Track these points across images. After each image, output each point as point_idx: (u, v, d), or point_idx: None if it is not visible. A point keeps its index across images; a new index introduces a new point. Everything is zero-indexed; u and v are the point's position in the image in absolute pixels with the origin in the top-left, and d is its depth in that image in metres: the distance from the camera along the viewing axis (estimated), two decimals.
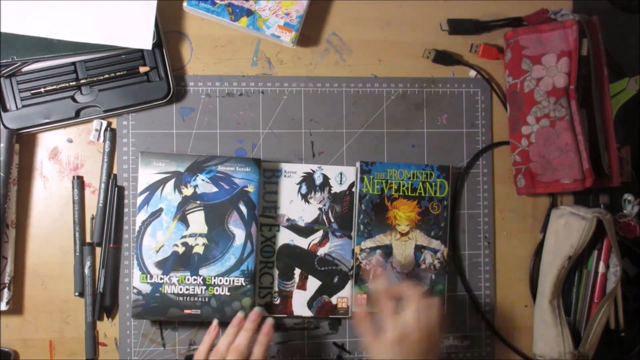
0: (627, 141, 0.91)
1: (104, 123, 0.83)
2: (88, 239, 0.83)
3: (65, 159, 0.84)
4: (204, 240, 0.81)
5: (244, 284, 0.81)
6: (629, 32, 0.94)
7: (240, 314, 0.80)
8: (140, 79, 0.83)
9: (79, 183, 0.83)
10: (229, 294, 0.81)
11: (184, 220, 0.81)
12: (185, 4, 0.83)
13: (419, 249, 0.86)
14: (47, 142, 0.83)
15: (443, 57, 0.89)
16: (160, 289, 0.80)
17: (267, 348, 0.77)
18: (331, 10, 0.88)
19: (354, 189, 0.86)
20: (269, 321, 0.80)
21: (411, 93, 0.89)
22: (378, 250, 0.85)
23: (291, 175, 0.85)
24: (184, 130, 0.85)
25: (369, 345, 0.75)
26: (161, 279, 0.80)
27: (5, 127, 0.80)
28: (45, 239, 0.83)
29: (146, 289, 0.80)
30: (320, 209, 0.86)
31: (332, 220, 0.86)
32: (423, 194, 0.86)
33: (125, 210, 0.83)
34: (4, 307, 0.80)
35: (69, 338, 0.83)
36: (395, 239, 0.85)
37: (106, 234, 0.82)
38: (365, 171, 0.85)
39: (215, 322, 0.80)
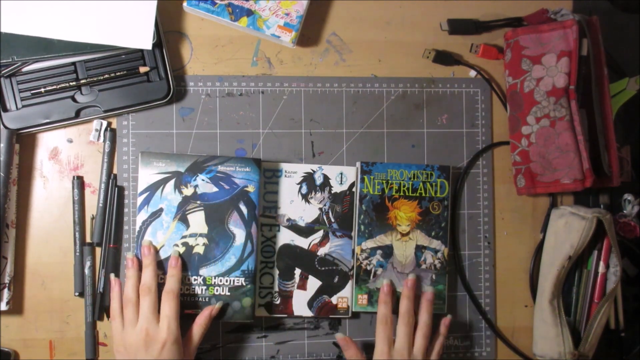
0: (627, 141, 0.92)
1: (104, 123, 0.83)
2: (88, 239, 0.83)
3: (65, 159, 0.83)
4: (204, 240, 0.81)
5: (244, 284, 0.81)
6: (629, 32, 0.94)
7: (145, 243, 0.79)
8: (140, 79, 0.82)
9: (79, 183, 0.83)
10: (229, 294, 0.81)
11: (184, 220, 0.81)
12: (185, 4, 0.83)
13: (419, 249, 0.86)
14: (47, 142, 0.83)
15: (443, 57, 0.89)
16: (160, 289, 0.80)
17: (178, 280, 0.78)
18: (331, 10, 0.88)
19: (354, 189, 0.86)
20: (174, 255, 0.79)
21: (411, 93, 0.89)
22: (379, 250, 0.85)
23: (291, 175, 0.85)
24: (184, 130, 0.85)
25: None
26: (161, 279, 0.80)
27: (5, 127, 0.80)
28: (45, 239, 0.83)
29: None
30: (320, 208, 0.85)
31: (333, 220, 0.86)
32: (424, 194, 0.86)
33: (125, 210, 0.83)
34: (4, 307, 0.79)
35: (69, 338, 0.83)
36: (396, 239, 0.85)
37: (106, 234, 0.82)
38: (366, 172, 0.85)
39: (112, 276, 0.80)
